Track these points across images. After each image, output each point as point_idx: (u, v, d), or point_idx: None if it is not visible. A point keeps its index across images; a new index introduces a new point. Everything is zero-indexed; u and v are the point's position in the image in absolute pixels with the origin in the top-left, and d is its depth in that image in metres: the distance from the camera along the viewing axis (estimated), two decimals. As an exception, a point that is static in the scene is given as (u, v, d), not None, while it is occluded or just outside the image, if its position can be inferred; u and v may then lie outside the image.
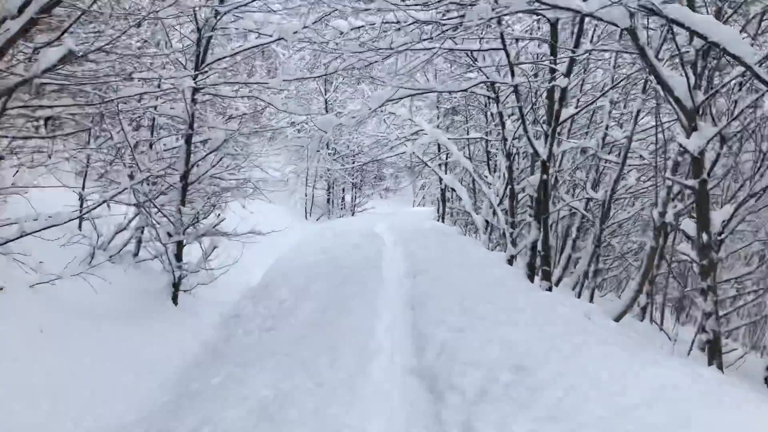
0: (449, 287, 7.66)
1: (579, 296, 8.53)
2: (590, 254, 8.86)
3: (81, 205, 8.82)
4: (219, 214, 8.90)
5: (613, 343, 4.84)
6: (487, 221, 13.67)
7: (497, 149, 14.71)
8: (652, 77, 6.73)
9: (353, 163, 22.08)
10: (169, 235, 8.41)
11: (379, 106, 10.04)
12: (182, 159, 8.35)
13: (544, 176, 7.78)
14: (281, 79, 8.25)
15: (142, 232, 9.38)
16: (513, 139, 10.04)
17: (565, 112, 7.83)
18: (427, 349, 5.28)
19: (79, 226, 9.33)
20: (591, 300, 8.45)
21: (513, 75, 7.58)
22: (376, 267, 9.86)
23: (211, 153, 8.38)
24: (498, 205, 12.21)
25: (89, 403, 5.35)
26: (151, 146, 9.60)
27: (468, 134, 15.23)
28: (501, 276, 8.47)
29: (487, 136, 13.89)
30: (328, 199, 27.31)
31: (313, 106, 25.85)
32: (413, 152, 14.48)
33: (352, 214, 29.10)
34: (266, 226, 18.11)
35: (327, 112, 25.70)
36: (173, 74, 6.52)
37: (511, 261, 10.32)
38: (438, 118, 16.98)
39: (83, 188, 9.51)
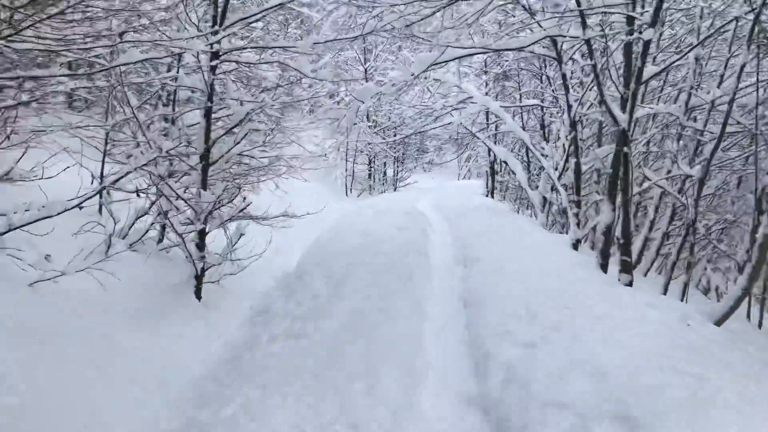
0: (509, 281, 6.50)
1: (665, 291, 7.24)
2: (681, 240, 7.51)
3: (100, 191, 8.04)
4: (245, 198, 7.91)
5: (744, 373, 3.62)
6: (544, 198, 12.36)
7: (555, 117, 13.30)
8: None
9: (395, 135, 20.90)
10: (190, 221, 7.50)
11: (423, 71, 8.83)
12: (201, 136, 7.36)
13: (625, 148, 6.45)
14: (311, 41, 7.11)
15: (166, 215, 8.53)
16: (578, 104, 8.67)
17: (648, 71, 6.46)
18: (490, 371, 4.17)
19: (99, 210, 8.55)
20: (683, 297, 7.15)
21: (585, 26, 6.25)
22: (422, 253, 8.77)
23: (233, 128, 7.35)
24: (558, 180, 10.89)
25: (84, 428, 4.48)
26: (173, 122, 8.67)
27: (521, 101, 13.83)
28: (569, 266, 7.25)
29: (542, 102, 12.49)
30: (370, 174, 26.24)
31: (352, 76, 24.64)
32: (460, 122, 13.20)
33: (395, 189, 27.99)
34: (303, 205, 17.23)
35: (367, 81, 24.51)
36: (179, 35, 5.47)
37: (576, 245, 9.05)
38: (486, 85, 15.57)
39: (102, 171, 8.69)
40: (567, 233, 11.67)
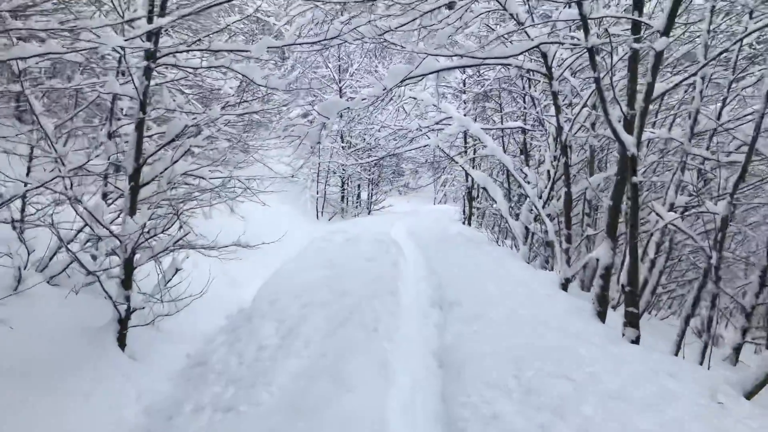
0: (494, 333, 5.39)
1: (678, 350, 6.15)
2: (696, 290, 6.45)
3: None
4: (182, 225, 6.70)
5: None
6: (527, 228, 11.35)
7: (539, 141, 12.37)
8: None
9: (368, 157, 19.87)
10: (113, 253, 6.27)
11: (397, 85, 7.81)
12: (131, 153, 6.16)
13: (634, 177, 5.43)
14: (265, 45, 6.01)
15: (67, 246, 7.26)
16: (570, 126, 7.69)
17: (659, 87, 5.50)
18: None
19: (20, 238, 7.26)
20: (702, 361, 6.08)
21: (587, 33, 5.25)
22: (392, 292, 7.62)
23: (167, 144, 6.17)
24: (542, 209, 9.89)
25: None
26: (109, 136, 7.45)
27: (502, 123, 12.90)
28: (563, 313, 6.18)
29: (525, 125, 11.55)
30: (342, 197, 25.10)
31: (326, 96, 23.62)
32: (437, 145, 12.19)
33: (369, 213, 26.88)
34: (266, 231, 15.96)
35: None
36: (87, 24, 4.32)
37: (565, 285, 8.01)
38: (465, 105, 14.64)
39: (26, 186, 7.42)
40: (551, 268, 10.64)
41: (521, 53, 5.84)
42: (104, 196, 7.75)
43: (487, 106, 13.80)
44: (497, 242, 13.72)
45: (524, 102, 12.35)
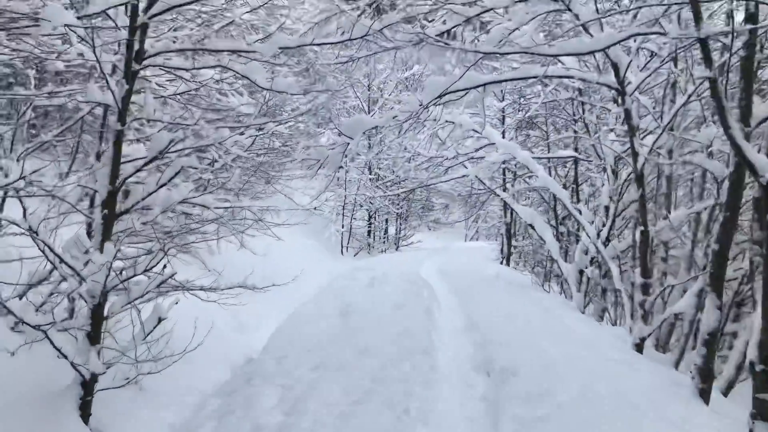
0: (570, 425, 3.93)
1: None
2: None
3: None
4: (166, 265, 5.39)
5: None
6: (580, 272, 9.82)
7: (593, 172, 10.92)
8: None
9: (398, 189, 18.59)
10: (78, 298, 5.02)
11: (435, 100, 6.53)
12: (104, 173, 4.94)
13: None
14: (277, 44, 4.80)
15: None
16: (650, 150, 6.26)
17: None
18: None
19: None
20: None
21: (699, 20, 3.88)
22: (425, 351, 6.18)
23: (147, 164, 4.92)
24: (603, 250, 8.40)
25: None
26: (98, 156, 6.26)
27: (548, 152, 11.51)
28: (652, 390, 4.66)
29: (578, 153, 10.14)
30: (369, 232, 23.78)
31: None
32: (476, 176, 10.84)
33: (396, 249, 25.46)
34: (286, 266, 14.62)
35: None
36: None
37: (640, 345, 6.46)
38: (505, 134, 13.29)
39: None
40: (613, 321, 9.06)
41: (607, 47, 4.50)
42: (89, 227, 6.54)
43: (531, 134, 12.45)
44: (542, 286, 12.17)
45: (575, 129, 10.96)
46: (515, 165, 14.19)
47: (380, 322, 7.59)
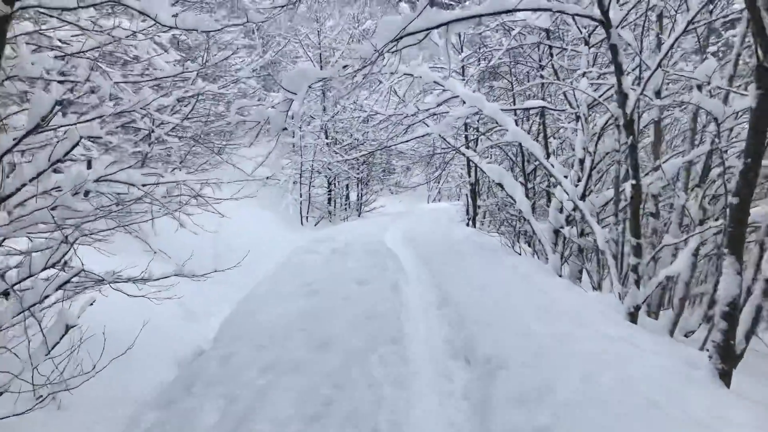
0: (567, 420, 3.15)
1: None
2: None
3: None
4: (65, 262, 4.35)
5: None
6: (556, 233, 9.08)
7: (563, 122, 10.12)
8: None
9: (357, 153, 17.53)
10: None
11: (392, 44, 5.57)
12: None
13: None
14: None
15: None
16: (641, 90, 5.42)
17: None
18: None
19: None
20: None
21: None
22: (394, 339, 5.33)
23: (27, 135, 3.84)
24: (581, 203, 7.65)
25: None
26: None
27: (514, 104, 10.65)
28: (667, 375, 3.92)
29: (549, 103, 9.30)
30: (329, 199, 22.74)
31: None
32: (439, 134, 9.90)
33: (359, 215, 24.54)
34: (241, 242, 13.55)
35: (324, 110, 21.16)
36: None
37: (634, 315, 5.75)
38: (467, 86, 12.34)
39: None
40: (597, 285, 8.38)
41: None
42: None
43: (495, 85, 11.55)
44: (513, 248, 11.45)
45: (541, 75, 10.09)
46: (478, 121, 13.34)
47: (343, 304, 6.70)
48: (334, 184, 23.33)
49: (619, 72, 5.43)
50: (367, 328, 5.63)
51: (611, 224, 7.31)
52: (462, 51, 13.76)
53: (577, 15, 5.42)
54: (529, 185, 11.22)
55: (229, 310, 8.22)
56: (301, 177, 20.48)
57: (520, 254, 11.03)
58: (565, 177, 8.66)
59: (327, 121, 20.80)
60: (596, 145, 8.35)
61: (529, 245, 11.68)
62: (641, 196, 5.62)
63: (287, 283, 8.69)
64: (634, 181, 5.59)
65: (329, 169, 21.29)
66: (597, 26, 9.09)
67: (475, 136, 12.19)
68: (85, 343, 4.49)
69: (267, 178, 11.45)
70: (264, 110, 5.79)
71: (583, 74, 8.87)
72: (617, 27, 5.44)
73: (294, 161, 20.68)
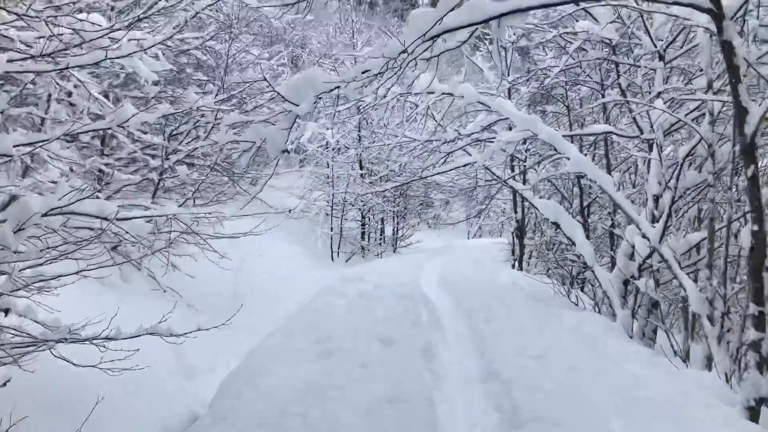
0: None
1: None
2: None
3: None
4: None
5: None
6: (626, 282, 7.51)
7: (630, 150, 8.59)
8: None
9: (388, 184, 16.22)
10: None
11: (423, 43, 4.29)
12: None
13: None
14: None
15: None
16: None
17: None
18: None
19: None
20: None
21: None
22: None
23: None
24: (668, 250, 6.10)
25: None
26: None
27: (570, 129, 9.18)
28: None
29: (615, 129, 7.82)
30: (363, 233, 21.42)
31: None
32: (483, 164, 8.52)
33: (394, 250, 23.10)
34: (265, 280, 12.42)
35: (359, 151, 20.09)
36: None
37: (755, 411, 4.17)
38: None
39: None
40: (683, 353, 6.72)
41: None
42: None
43: (548, 109, 10.12)
44: (569, 297, 9.85)
45: (602, 95, 8.64)
46: (526, 151, 11.88)
47: (359, 376, 5.27)
48: (369, 217, 22.04)
49: (736, 78, 3.96)
50: (387, 418, 4.20)
51: (705, 279, 5.73)
52: (509, 74, 12.44)
53: (677, 3, 4.01)
54: (589, 223, 9.66)
55: (237, 364, 6.94)
56: (332, 210, 19.27)
57: (577, 304, 9.43)
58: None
59: (362, 151, 19.64)
60: (677, 179, 6.82)
61: (582, 289, 10.07)
62: (766, 248, 4.07)
63: (301, 338, 7.31)
64: (755, 227, 4.06)
65: (362, 201, 20.04)
66: (675, 37, 7.67)
67: (523, 168, 10.70)
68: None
69: (290, 210, 10.28)
70: (260, 127, 4.53)
71: (658, 94, 7.42)
72: (733, 18, 4.00)
73: (327, 193, 19.54)
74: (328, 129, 20.18)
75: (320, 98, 4.51)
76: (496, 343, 6.21)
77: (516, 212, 14.18)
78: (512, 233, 14.97)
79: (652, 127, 7.59)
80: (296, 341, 7.23)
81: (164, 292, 8.75)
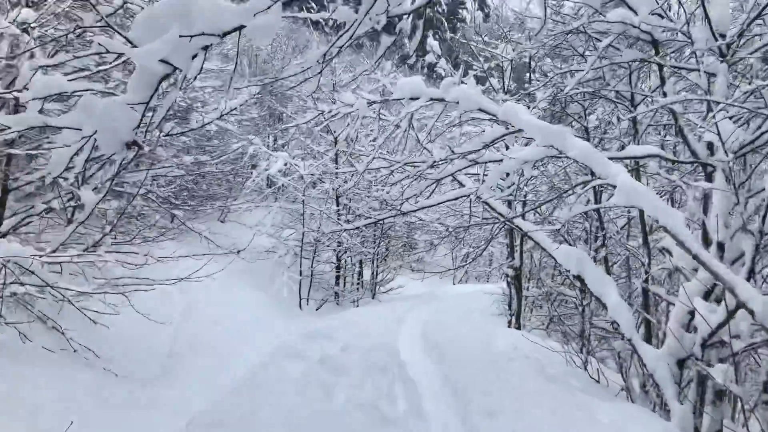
0: None
1: None
2: None
3: None
4: None
5: None
6: (681, 363, 5.35)
7: (687, 179, 6.52)
8: None
9: (364, 220, 14.02)
10: None
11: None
12: None
13: None
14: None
15: None
16: None
17: None
18: None
19: None
20: None
21: None
22: None
23: None
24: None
25: None
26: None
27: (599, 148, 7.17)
28: None
29: (663, 151, 5.81)
30: (337, 277, 19.09)
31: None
32: (479, 196, 6.45)
33: (373, 297, 20.75)
34: (209, 337, 10.36)
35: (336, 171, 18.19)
36: None
37: None
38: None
39: None
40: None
41: None
42: None
43: (571, 125, 8.11)
44: (585, 369, 7.65)
45: (631, 108, 6.67)
46: (534, 193, 9.75)
47: None
48: (345, 260, 19.78)
49: None
50: None
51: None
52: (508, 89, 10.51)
53: None
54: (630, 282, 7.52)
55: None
56: (302, 250, 17.01)
57: (598, 381, 7.23)
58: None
59: (338, 187, 17.49)
60: (764, 219, 4.76)
61: (613, 363, 7.87)
62: None
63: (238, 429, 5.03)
64: None
65: (338, 242, 17.82)
66: (743, 31, 5.74)
67: (536, 205, 8.54)
68: None
69: (238, 251, 8.07)
70: (94, 101, 2.36)
71: (718, 105, 5.43)
72: None
73: (298, 231, 17.32)
74: (302, 160, 18.14)
75: (208, 48, 2.43)
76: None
77: (512, 257, 12.01)
78: (508, 282, 12.76)
79: (709, 149, 5.64)
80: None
81: (74, 351, 6.80)
